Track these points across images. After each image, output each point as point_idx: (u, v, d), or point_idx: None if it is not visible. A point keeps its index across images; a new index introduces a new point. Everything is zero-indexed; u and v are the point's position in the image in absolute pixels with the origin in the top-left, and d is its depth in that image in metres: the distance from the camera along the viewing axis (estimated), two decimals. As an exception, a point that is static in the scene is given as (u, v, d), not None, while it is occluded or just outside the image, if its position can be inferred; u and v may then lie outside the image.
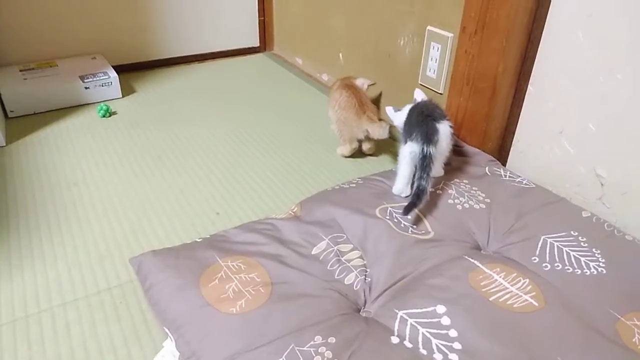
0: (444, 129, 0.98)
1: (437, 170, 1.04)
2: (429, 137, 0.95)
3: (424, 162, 0.93)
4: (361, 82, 1.38)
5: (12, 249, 0.99)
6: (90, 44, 1.80)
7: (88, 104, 1.61)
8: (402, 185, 1.01)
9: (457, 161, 1.06)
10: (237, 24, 2.07)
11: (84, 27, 1.76)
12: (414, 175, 0.98)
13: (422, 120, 0.98)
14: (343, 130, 1.33)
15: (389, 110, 1.14)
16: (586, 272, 0.81)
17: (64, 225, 1.06)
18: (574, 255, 0.84)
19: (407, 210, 0.92)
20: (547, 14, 1.02)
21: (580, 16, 0.96)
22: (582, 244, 0.87)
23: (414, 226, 0.92)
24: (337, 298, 0.78)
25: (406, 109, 1.08)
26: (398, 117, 1.10)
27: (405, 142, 1.00)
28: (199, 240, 0.91)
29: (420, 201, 0.92)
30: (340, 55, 1.70)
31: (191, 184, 1.21)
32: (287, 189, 1.21)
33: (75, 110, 1.58)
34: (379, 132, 1.24)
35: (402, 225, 0.92)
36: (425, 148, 0.94)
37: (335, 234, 0.90)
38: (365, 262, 0.85)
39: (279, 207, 1.13)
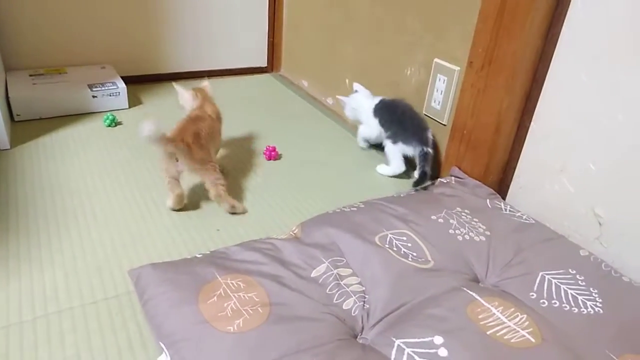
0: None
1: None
2: (424, 141, 1.28)
3: (426, 157, 1.27)
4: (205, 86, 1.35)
5: (10, 253, 0.98)
6: (100, 54, 1.82)
7: (94, 112, 1.63)
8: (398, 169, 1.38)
9: (460, 192, 1.08)
10: (246, 43, 2.11)
11: (96, 37, 1.79)
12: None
13: (416, 127, 1.31)
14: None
15: (341, 98, 1.48)
16: (583, 311, 0.81)
17: (63, 232, 1.06)
18: (571, 294, 0.85)
19: (417, 184, 1.24)
20: (553, 54, 1.05)
21: (585, 58, 0.98)
22: (579, 282, 0.87)
23: (414, 254, 0.92)
24: (334, 323, 0.77)
25: (360, 97, 1.46)
26: (354, 103, 1.46)
27: (395, 143, 1.33)
28: (199, 255, 0.91)
29: (426, 180, 1.24)
30: (347, 80, 1.73)
31: (192, 198, 1.22)
32: (288, 208, 1.22)
33: (82, 118, 1.59)
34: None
35: (402, 252, 0.92)
36: (424, 148, 1.28)
37: (335, 257, 0.90)
38: (364, 288, 0.85)
39: (279, 227, 1.14)
